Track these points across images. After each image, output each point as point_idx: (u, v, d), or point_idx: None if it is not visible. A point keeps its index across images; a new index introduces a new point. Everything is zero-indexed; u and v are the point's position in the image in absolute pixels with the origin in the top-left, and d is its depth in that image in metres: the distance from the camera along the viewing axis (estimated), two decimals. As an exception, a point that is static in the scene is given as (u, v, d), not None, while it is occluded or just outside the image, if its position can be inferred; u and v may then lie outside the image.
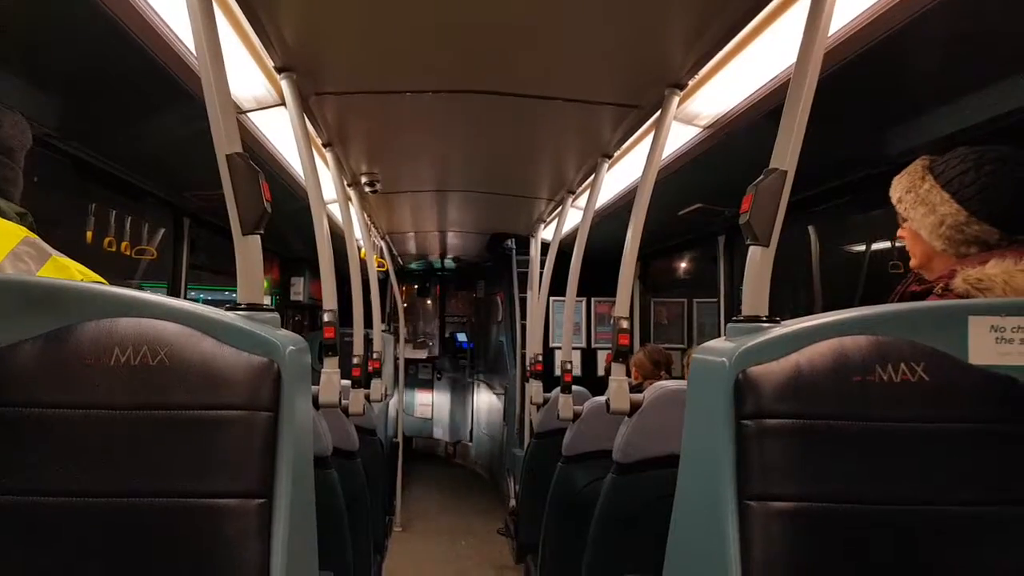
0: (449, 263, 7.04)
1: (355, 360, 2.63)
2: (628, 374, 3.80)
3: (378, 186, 3.00)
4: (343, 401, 2.12)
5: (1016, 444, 0.96)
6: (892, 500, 0.94)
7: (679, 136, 2.36)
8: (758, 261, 1.12)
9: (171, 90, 1.81)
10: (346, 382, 2.28)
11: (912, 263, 1.39)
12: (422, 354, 7.96)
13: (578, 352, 5.29)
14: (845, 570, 0.93)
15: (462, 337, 8.51)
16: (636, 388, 3.19)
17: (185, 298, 3.34)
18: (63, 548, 0.90)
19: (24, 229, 1.24)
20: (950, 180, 1.27)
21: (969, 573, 0.93)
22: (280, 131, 2.37)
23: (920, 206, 1.31)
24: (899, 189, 1.37)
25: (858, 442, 0.95)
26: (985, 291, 1.15)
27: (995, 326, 0.99)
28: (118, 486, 0.92)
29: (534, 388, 3.38)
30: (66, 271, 1.24)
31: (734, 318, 1.12)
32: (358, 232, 3.13)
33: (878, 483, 0.94)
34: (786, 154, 1.12)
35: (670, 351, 3.72)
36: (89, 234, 2.72)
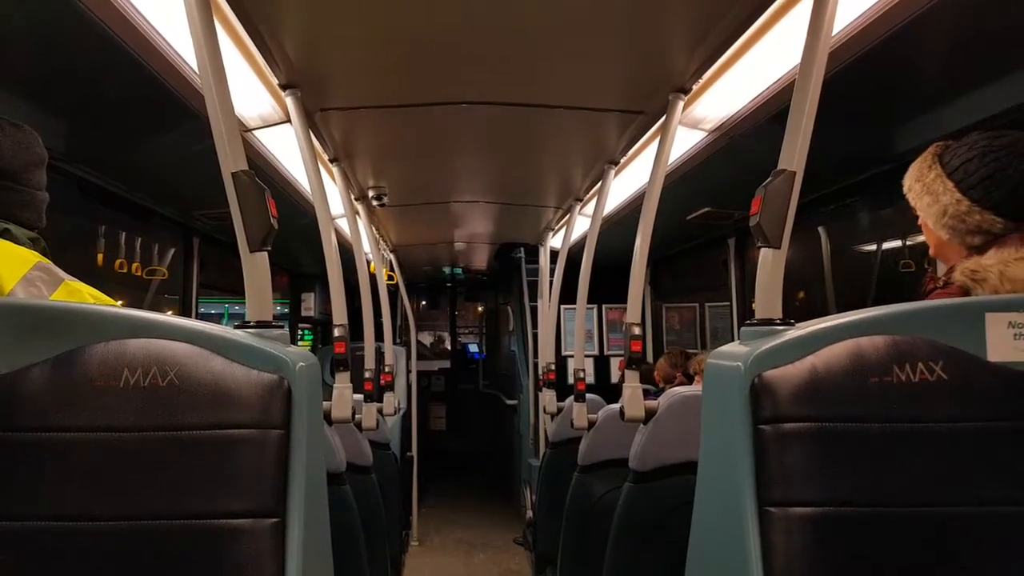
0: (459, 274, 7.05)
1: (367, 374, 2.63)
2: (651, 382, 3.78)
3: (386, 200, 3.01)
4: (356, 416, 2.11)
5: (1040, 442, 0.94)
6: (914, 502, 0.92)
7: (685, 141, 2.36)
8: (770, 263, 1.11)
9: (176, 110, 1.83)
10: (359, 397, 2.27)
11: (930, 252, 1.37)
12: (435, 366, 7.96)
13: (591, 360, 5.27)
14: (869, 574, 0.91)
15: (473, 348, 8.51)
16: (660, 392, 3.18)
17: (197, 317, 3.36)
18: (74, 574, 0.89)
19: (36, 254, 1.24)
20: (955, 169, 1.25)
21: (996, 575, 0.91)
22: (287, 148, 2.38)
23: (926, 195, 1.29)
24: (910, 177, 1.34)
25: (878, 444, 0.94)
26: (981, 282, 1.14)
27: (1013, 322, 0.97)
28: (129, 509, 0.91)
29: (547, 397, 3.36)
30: (78, 295, 1.24)
31: (747, 321, 1.11)
32: (367, 246, 3.14)
33: (899, 485, 0.93)
34: (794, 155, 1.11)
35: (690, 353, 3.72)
36: (100, 256, 2.74)
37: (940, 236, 1.29)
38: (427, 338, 8.75)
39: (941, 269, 1.38)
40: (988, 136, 1.25)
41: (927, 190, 1.28)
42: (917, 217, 1.38)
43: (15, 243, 1.23)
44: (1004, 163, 1.20)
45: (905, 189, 1.36)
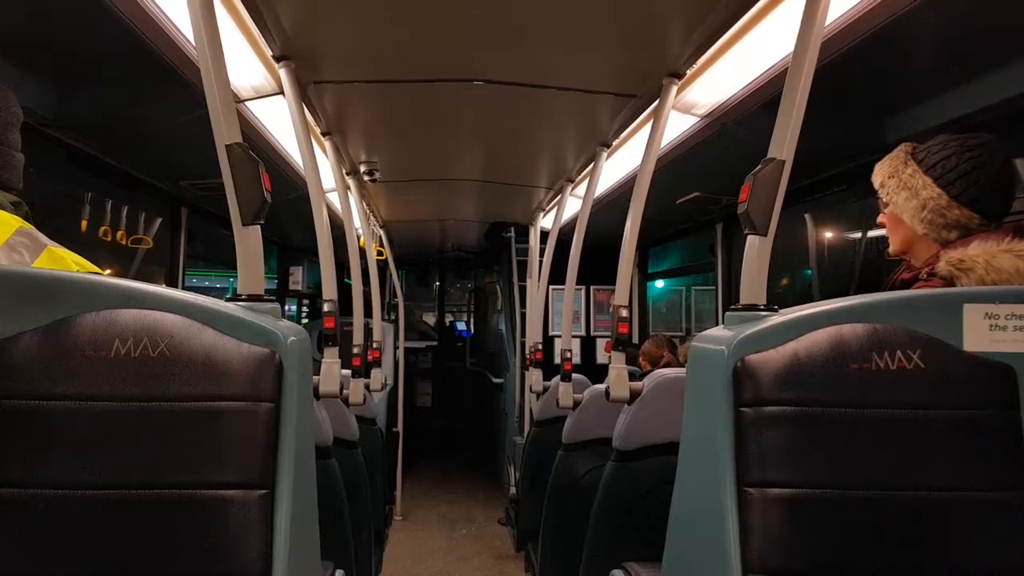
0: (449, 252, 7.03)
1: (355, 350, 2.64)
2: (636, 365, 3.82)
3: (377, 175, 2.99)
4: (343, 391, 2.12)
5: (1010, 430, 0.97)
6: (889, 486, 0.95)
7: (677, 125, 2.36)
8: (756, 250, 1.13)
9: (166, 79, 1.80)
10: (346, 372, 2.28)
11: (891, 249, 1.41)
12: (422, 343, 7.97)
13: (577, 340, 5.30)
14: (843, 555, 0.94)
15: (461, 326, 8.51)
16: (643, 376, 3.22)
17: (183, 288, 3.34)
18: (63, 540, 0.90)
19: (19, 219, 1.22)
20: (933, 165, 1.29)
21: (965, 558, 0.94)
22: (278, 120, 2.36)
23: (903, 190, 1.33)
24: (881, 174, 1.38)
25: (855, 429, 0.96)
26: (967, 271, 1.16)
27: (989, 313, 1.00)
28: (119, 478, 0.92)
29: (534, 376, 3.38)
30: (62, 262, 1.22)
31: (732, 306, 1.12)
32: (357, 221, 3.13)
33: (875, 469, 0.95)
34: (784, 143, 1.12)
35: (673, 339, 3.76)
36: (84, 223, 2.71)
37: (916, 230, 1.32)
38: (431, 318, 8.74)
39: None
40: (959, 137, 1.29)
41: (904, 185, 1.32)
42: (881, 213, 1.42)
43: None
44: (981, 161, 1.25)
45: (877, 185, 1.40)
